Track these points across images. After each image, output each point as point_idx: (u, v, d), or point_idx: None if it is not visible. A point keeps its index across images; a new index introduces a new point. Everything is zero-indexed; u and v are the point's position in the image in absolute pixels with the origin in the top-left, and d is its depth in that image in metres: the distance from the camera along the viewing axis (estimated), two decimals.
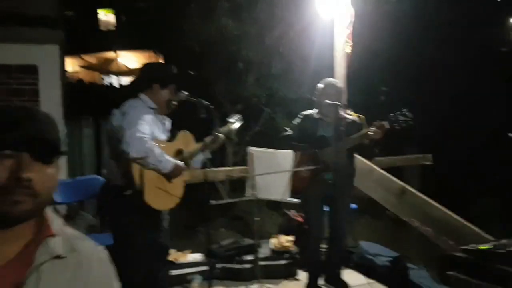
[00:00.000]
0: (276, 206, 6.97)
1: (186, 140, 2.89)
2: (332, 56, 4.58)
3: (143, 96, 2.78)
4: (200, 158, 2.88)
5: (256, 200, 2.61)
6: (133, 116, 2.60)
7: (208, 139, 2.80)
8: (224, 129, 2.92)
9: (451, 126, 7.36)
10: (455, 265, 2.44)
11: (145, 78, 2.88)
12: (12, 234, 0.96)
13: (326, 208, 3.50)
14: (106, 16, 19.86)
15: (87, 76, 17.77)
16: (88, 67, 18.72)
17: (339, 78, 4.53)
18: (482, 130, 7.14)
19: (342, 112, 3.39)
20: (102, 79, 18.92)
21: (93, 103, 7.43)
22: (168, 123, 2.95)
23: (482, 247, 2.45)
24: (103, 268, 1.09)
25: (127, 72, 16.88)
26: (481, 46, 8.21)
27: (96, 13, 19.65)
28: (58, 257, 0.99)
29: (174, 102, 2.82)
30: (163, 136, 2.84)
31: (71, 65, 16.40)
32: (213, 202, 2.73)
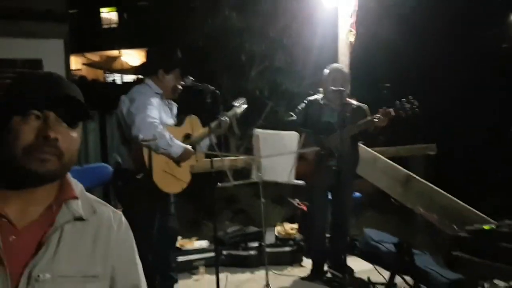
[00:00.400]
0: (280, 200, 7.00)
1: (193, 125, 2.92)
2: (335, 47, 4.60)
3: (149, 81, 2.81)
4: (206, 142, 2.91)
5: (261, 182, 2.63)
6: (141, 101, 2.64)
7: (213, 123, 2.82)
8: (229, 113, 2.95)
9: (454, 119, 7.37)
10: (460, 245, 2.46)
11: (150, 64, 2.91)
12: (36, 195, 0.99)
13: (329, 196, 3.54)
14: (108, 14, 19.92)
15: (90, 73, 17.83)
16: (91, 64, 18.78)
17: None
18: (483, 125, 7.14)
19: (347, 98, 3.41)
20: (106, 77, 18.97)
21: (97, 99, 7.47)
22: (174, 108, 2.99)
23: (486, 227, 2.48)
24: (123, 231, 1.12)
25: (130, 70, 16.94)
26: (483, 42, 8.21)
27: (99, 12, 19.71)
28: (79, 219, 1.02)
29: (179, 87, 2.85)
30: (171, 121, 2.87)
31: (74, 63, 16.47)
32: (220, 184, 2.77)
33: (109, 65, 19.17)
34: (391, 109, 3.16)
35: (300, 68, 6.69)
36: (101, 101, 6.38)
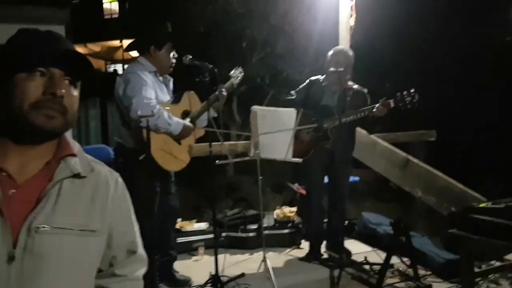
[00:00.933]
0: (279, 188, 7.04)
1: (191, 101, 2.92)
2: (337, 33, 4.58)
3: (142, 59, 2.80)
4: (205, 117, 2.90)
5: (259, 160, 2.65)
6: (135, 82, 2.63)
7: (212, 96, 2.83)
8: (226, 84, 2.95)
9: (455, 106, 7.36)
10: (456, 223, 2.47)
11: (141, 41, 2.88)
12: (36, 151, 1.01)
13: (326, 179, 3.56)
14: (110, 5, 19.84)
15: (92, 64, 17.79)
16: (93, 55, 18.73)
17: None
18: (485, 115, 7.13)
19: (348, 82, 3.40)
20: (107, 67, 18.95)
21: (98, 87, 7.50)
22: (170, 82, 2.98)
23: (482, 205, 2.49)
24: (120, 191, 1.16)
25: (132, 60, 16.90)
26: (488, 32, 8.16)
27: (101, 2, 19.64)
28: (78, 175, 1.05)
29: (173, 61, 2.84)
30: (167, 97, 2.87)
31: None
32: (218, 162, 2.78)
33: (110, 56, 19.15)
34: (390, 101, 3.15)
35: (301, 55, 6.68)
36: (102, 89, 6.42)
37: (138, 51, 2.86)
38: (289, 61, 6.88)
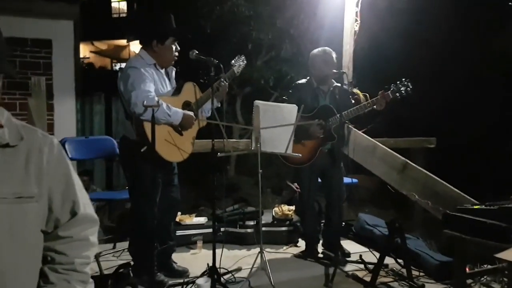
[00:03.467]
0: (280, 190, 7.09)
1: (192, 92, 2.94)
2: (340, 38, 4.66)
3: (142, 52, 2.83)
4: (208, 106, 2.94)
5: (260, 153, 2.70)
6: (135, 76, 2.67)
7: (214, 85, 2.84)
8: (227, 74, 2.97)
9: (456, 114, 7.41)
10: (449, 223, 2.52)
11: (143, 35, 2.91)
12: None
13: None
14: (118, 4, 20.00)
15: (98, 61, 17.94)
16: (99, 53, 18.86)
17: (347, 57, 4.64)
18: (484, 122, 7.18)
19: (334, 81, 3.49)
20: (113, 65, 19.06)
21: (104, 83, 7.57)
22: (173, 72, 3.00)
23: (476, 206, 2.55)
24: (56, 153, 1.18)
25: None
26: (493, 42, 8.22)
27: (109, 0, 19.79)
28: (7, 145, 1.08)
29: (175, 55, 2.86)
30: (168, 87, 2.90)
31: (83, 50, 16.60)
32: (219, 154, 2.84)
33: (117, 54, 19.29)
34: (388, 92, 3.24)
35: (306, 59, 6.74)
36: (107, 86, 6.50)
37: (141, 44, 2.89)
38: (293, 65, 6.95)
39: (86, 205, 1.23)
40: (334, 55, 3.48)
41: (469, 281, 2.94)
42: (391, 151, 4.21)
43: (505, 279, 2.65)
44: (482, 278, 3.02)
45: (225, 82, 2.92)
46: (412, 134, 5.38)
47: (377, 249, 3.57)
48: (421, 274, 3.17)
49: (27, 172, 1.09)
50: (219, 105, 3.00)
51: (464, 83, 7.51)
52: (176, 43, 2.87)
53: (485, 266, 3.05)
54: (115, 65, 19.17)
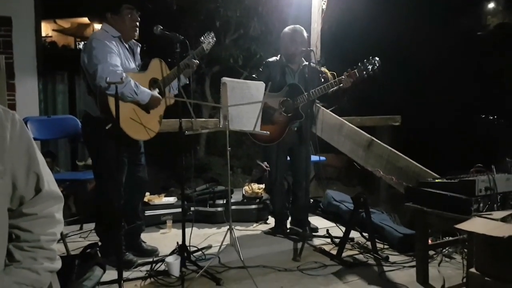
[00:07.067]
0: (250, 170, 7.13)
1: (158, 68, 2.88)
2: (309, 17, 4.65)
3: (105, 25, 2.76)
4: (176, 84, 2.88)
5: (229, 131, 2.70)
6: (100, 49, 2.60)
7: (182, 62, 2.80)
8: (196, 50, 2.93)
9: (421, 95, 7.60)
10: (411, 196, 2.61)
11: (96, 10, 2.84)
12: None
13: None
14: None
15: (61, 40, 17.27)
16: (62, 31, 18.16)
17: (315, 35, 4.64)
18: (450, 105, 7.39)
19: (304, 60, 3.50)
20: (78, 44, 18.40)
21: (67, 62, 7.32)
22: (138, 48, 2.94)
23: (437, 180, 2.64)
24: (19, 128, 1.15)
25: None
26: (459, 27, 8.39)
27: None
28: None
29: (136, 24, 2.78)
30: (133, 64, 2.84)
31: (45, 29, 15.91)
32: (187, 132, 2.81)
33: (80, 32, 18.58)
34: (354, 71, 3.27)
35: (274, 38, 6.71)
36: (70, 64, 6.28)
37: (99, 20, 2.81)
38: (262, 44, 6.91)
39: (50, 182, 1.21)
40: (305, 34, 3.48)
41: (431, 252, 3.07)
42: (357, 128, 4.30)
43: (465, 250, 2.77)
44: (444, 250, 3.16)
45: (194, 58, 2.88)
46: (379, 113, 5.49)
47: (343, 224, 3.67)
48: (385, 246, 3.28)
49: None
50: (187, 82, 2.96)
51: (431, 64, 7.69)
52: (134, 13, 2.78)
53: (447, 238, 3.19)
54: (79, 44, 18.49)
